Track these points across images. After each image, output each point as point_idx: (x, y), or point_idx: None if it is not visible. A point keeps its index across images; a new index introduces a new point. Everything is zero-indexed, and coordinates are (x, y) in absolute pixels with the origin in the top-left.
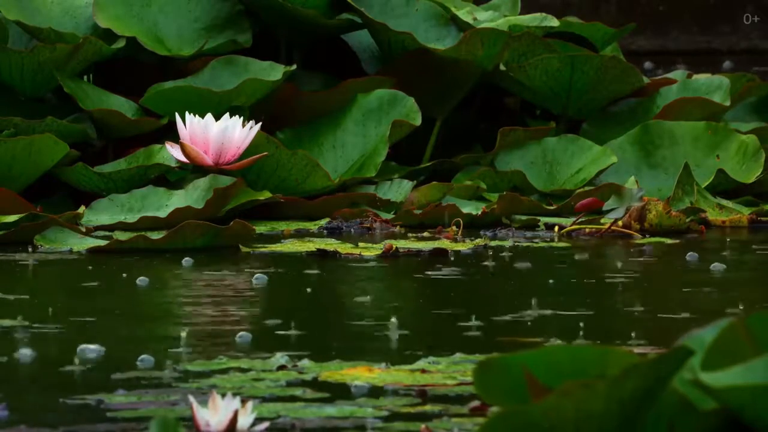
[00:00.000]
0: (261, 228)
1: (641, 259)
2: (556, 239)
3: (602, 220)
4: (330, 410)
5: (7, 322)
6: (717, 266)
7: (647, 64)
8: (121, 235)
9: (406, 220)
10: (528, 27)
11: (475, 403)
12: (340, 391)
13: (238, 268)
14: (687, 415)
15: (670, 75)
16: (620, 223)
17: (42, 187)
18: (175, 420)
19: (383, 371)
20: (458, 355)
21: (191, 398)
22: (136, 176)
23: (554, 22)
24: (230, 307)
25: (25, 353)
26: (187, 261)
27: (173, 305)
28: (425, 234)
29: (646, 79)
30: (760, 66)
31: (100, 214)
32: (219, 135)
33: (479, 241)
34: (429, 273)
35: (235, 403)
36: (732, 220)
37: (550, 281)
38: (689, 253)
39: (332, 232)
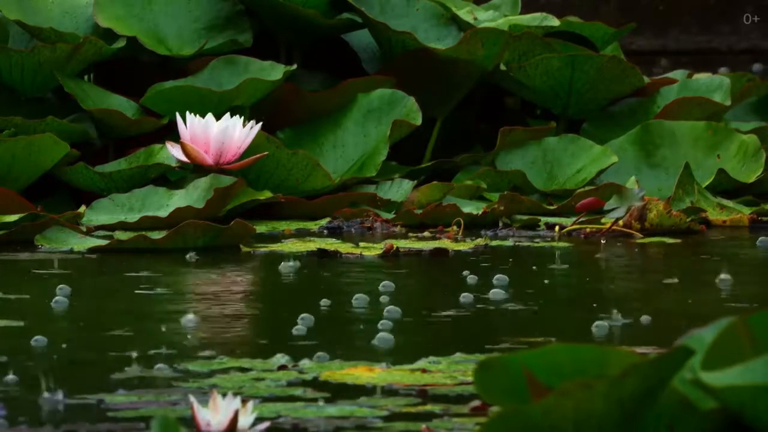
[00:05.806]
0: (261, 228)
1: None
2: (556, 239)
3: (603, 220)
4: (330, 410)
5: (9, 323)
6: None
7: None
8: (121, 235)
9: (407, 219)
10: (528, 27)
11: (476, 402)
12: (341, 391)
13: (239, 268)
14: (687, 415)
15: (671, 75)
16: (621, 222)
17: (42, 187)
18: (175, 420)
19: (383, 371)
20: (458, 355)
21: (192, 398)
22: (137, 176)
23: (554, 22)
24: (230, 307)
25: (25, 353)
26: (190, 256)
27: (174, 305)
28: (426, 234)
29: (646, 79)
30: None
31: (101, 213)
32: (219, 135)
33: (480, 241)
34: (429, 273)
35: (236, 403)
36: (732, 219)
37: (548, 281)
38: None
39: (333, 232)
